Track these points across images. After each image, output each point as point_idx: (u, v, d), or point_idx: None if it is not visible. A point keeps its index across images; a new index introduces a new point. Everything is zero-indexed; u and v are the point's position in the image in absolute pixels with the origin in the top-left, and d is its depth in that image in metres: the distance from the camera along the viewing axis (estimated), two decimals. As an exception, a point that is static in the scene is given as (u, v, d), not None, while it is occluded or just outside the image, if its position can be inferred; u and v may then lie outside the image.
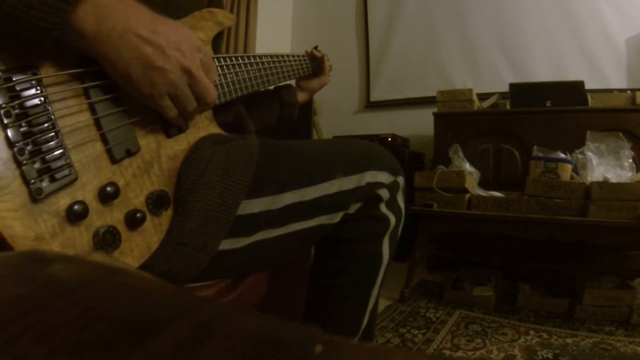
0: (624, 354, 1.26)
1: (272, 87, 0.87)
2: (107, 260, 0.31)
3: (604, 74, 2.23)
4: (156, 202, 0.47)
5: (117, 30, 0.41)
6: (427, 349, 1.33)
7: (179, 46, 0.45)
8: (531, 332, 1.43)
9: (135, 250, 0.45)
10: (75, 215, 0.40)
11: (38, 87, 0.39)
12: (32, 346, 0.14)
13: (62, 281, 0.19)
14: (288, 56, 0.84)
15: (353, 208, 0.66)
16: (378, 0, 2.88)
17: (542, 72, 2.35)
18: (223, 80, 0.62)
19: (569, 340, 1.36)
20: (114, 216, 0.44)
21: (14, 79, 0.38)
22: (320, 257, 0.72)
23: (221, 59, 0.63)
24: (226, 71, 0.63)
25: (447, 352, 1.30)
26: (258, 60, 0.72)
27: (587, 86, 2.03)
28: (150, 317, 0.16)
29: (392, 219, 0.70)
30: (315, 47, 0.99)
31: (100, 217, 0.42)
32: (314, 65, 0.94)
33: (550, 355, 1.25)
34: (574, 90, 2.01)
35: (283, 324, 0.16)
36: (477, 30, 2.54)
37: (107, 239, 0.42)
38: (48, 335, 0.14)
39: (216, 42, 0.66)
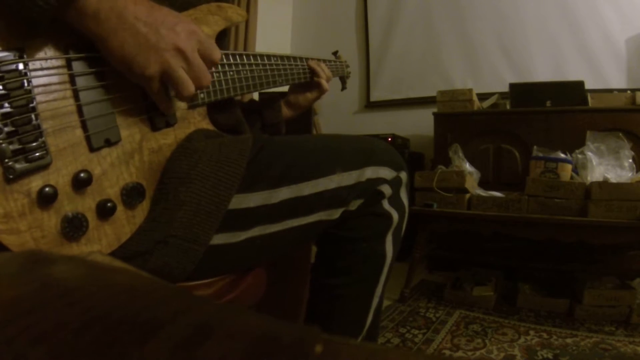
0: (624, 354, 1.26)
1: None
2: (107, 260, 0.31)
3: (604, 74, 2.23)
4: (130, 193, 0.47)
5: (115, 10, 0.42)
6: (427, 349, 1.33)
7: (174, 27, 0.46)
8: (531, 332, 1.43)
9: (103, 239, 0.46)
10: (46, 198, 0.41)
11: (23, 70, 0.40)
12: (31, 347, 0.14)
13: (62, 281, 0.19)
14: (293, 59, 0.82)
15: (354, 205, 0.64)
16: (378, 0, 2.88)
17: (542, 72, 2.35)
18: (222, 78, 0.61)
19: (569, 340, 1.36)
20: (86, 203, 0.44)
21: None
22: (322, 256, 0.71)
23: (223, 57, 0.62)
24: (227, 69, 0.62)
25: (447, 352, 1.30)
26: (266, 61, 0.71)
27: (587, 86, 2.03)
28: (150, 317, 0.16)
29: (395, 215, 0.69)
30: (335, 53, 0.92)
31: (71, 203, 0.43)
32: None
33: (550, 355, 1.25)
34: (574, 90, 2.01)
35: (283, 324, 0.16)
36: (477, 30, 2.54)
37: (75, 225, 0.43)
38: (47, 336, 0.14)
39: (220, 39, 0.65)
